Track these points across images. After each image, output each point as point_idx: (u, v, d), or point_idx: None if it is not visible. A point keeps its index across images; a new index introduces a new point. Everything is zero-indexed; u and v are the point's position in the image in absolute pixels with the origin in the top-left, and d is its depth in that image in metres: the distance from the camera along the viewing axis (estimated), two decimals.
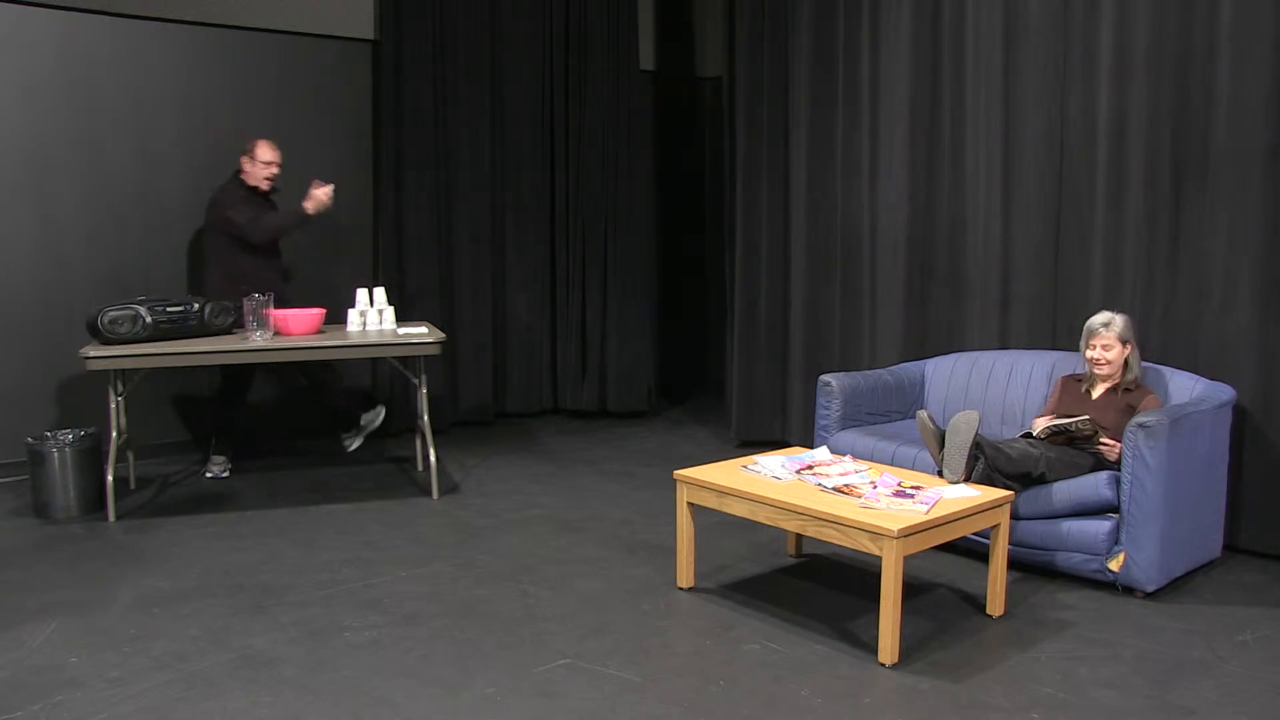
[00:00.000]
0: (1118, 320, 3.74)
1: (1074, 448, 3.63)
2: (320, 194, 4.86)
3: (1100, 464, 3.61)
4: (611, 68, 6.56)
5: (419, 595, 3.51)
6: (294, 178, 5.75)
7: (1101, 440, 3.60)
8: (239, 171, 5.00)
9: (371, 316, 4.86)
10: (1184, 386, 3.81)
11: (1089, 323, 3.81)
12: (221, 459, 5.16)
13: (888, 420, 4.51)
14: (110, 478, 4.37)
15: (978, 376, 4.44)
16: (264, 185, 5.02)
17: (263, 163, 4.97)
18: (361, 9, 5.89)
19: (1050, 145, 4.40)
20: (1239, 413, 3.86)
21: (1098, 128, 4.22)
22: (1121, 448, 3.50)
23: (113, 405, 4.46)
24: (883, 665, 2.95)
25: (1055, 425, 3.57)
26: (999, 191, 4.60)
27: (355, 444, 5.35)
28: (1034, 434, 3.64)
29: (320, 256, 5.88)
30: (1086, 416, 3.56)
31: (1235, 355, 3.88)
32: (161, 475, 5.15)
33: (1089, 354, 3.80)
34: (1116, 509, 3.49)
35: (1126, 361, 3.76)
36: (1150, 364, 4.00)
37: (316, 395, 5.37)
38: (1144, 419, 3.40)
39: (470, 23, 6.12)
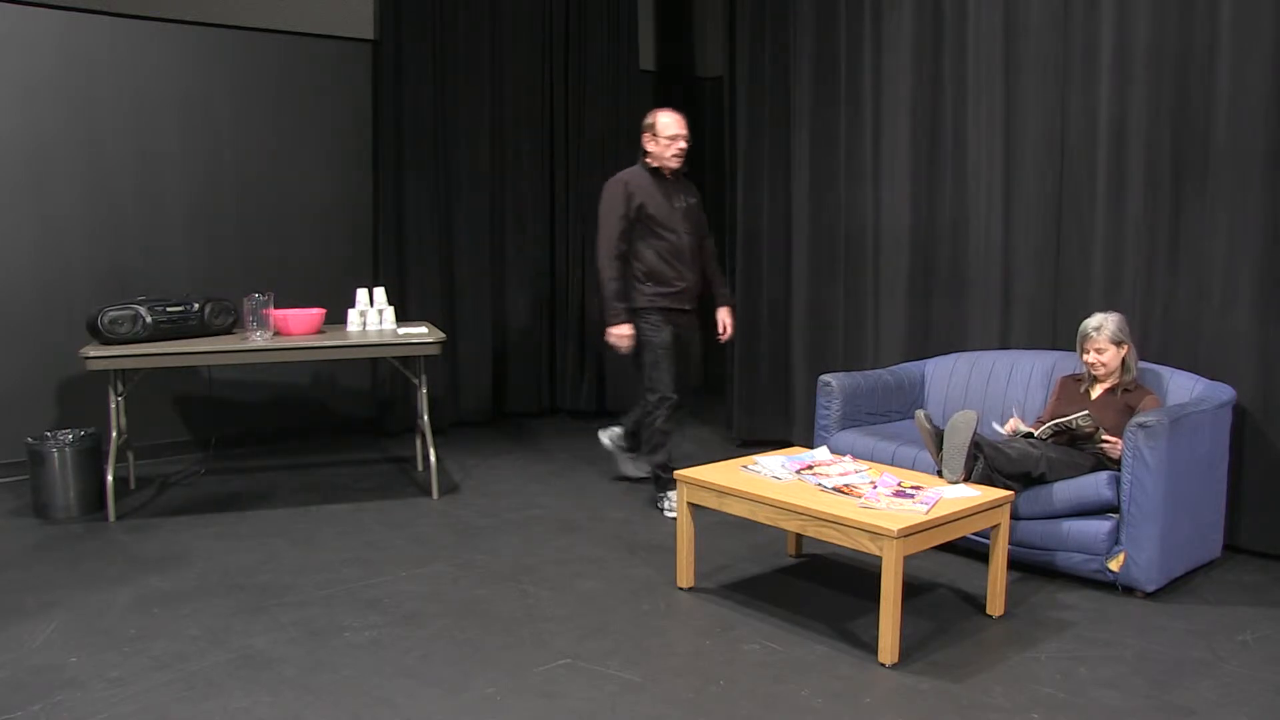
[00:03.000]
0: (1109, 323, 3.74)
1: (1075, 447, 3.63)
2: (622, 339, 4.38)
3: (1100, 464, 3.61)
4: (611, 68, 6.56)
5: (419, 595, 3.51)
6: (295, 178, 5.76)
7: (1104, 438, 3.59)
8: (644, 155, 4.44)
9: (371, 316, 4.86)
10: (1184, 386, 3.81)
11: (1081, 327, 3.81)
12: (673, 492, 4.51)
13: (888, 420, 4.51)
14: (110, 478, 4.37)
15: (978, 376, 4.44)
16: (674, 164, 4.41)
17: (666, 139, 4.36)
18: (361, 9, 5.89)
19: (1051, 145, 4.40)
20: (1239, 413, 3.86)
21: (1098, 128, 4.22)
22: (1122, 445, 3.50)
23: (113, 405, 4.46)
24: (883, 665, 2.95)
25: (1056, 424, 3.57)
26: (1000, 191, 4.60)
27: (606, 441, 4.96)
28: (1035, 434, 3.64)
29: (320, 256, 5.89)
30: (1086, 411, 3.56)
31: (1235, 355, 3.88)
32: (161, 475, 5.15)
33: (1085, 359, 3.80)
34: (1116, 509, 3.49)
35: (1125, 362, 3.76)
36: (1150, 364, 4.00)
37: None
38: (1144, 419, 3.40)
39: (470, 23, 6.12)
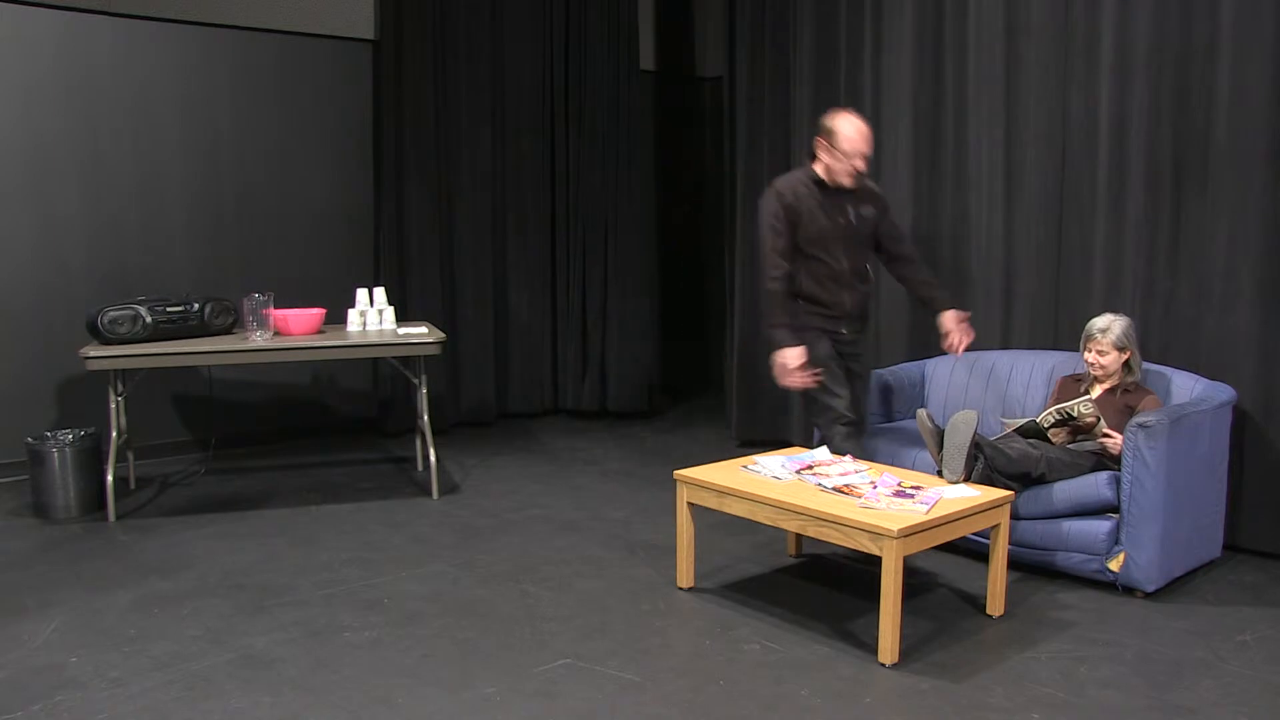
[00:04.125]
0: (1115, 327, 3.73)
1: (1076, 439, 3.63)
2: (789, 365, 3.72)
3: (1101, 464, 3.60)
4: (611, 68, 6.56)
5: (419, 595, 3.51)
6: (295, 178, 5.76)
7: (1105, 431, 3.59)
8: (812, 158, 3.83)
9: (371, 316, 4.86)
10: (1184, 386, 3.81)
11: (1088, 326, 3.81)
12: None
13: (887, 420, 4.51)
14: (110, 478, 4.37)
15: (978, 376, 4.44)
16: (845, 182, 3.77)
17: (843, 153, 3.69)
18: (361, 9, 5.89)
19: (1051, 144, 4.40)
20: (1239, 413, 3.86)
21: (1099, 127, 4.22)
22: (1123, 440, 3.49)
23: (113, 405, 4.46)
24: (883, 665, 2.95)
25: (1060, 409, 3.56)
26: (1000, 191, 4.60)
27: None
28: (1037, 420, 3.64)
29: (320, 256, 5.89)
30: (1089, 397, 3.55)
31: (1235, 355, 3.88)
32: (161, 475, 5.15)
33: (1086, 357, 3.80)
34: (1116, 509, 3.49)
35: (1128, 365, 3.76)
36: (1150, 364, 4.00)
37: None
38: (1144, 419, 3.40)
39: (470, 23, 6.12)
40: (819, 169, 3.81)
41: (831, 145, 3.72)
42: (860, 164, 3.73)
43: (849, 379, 3.94)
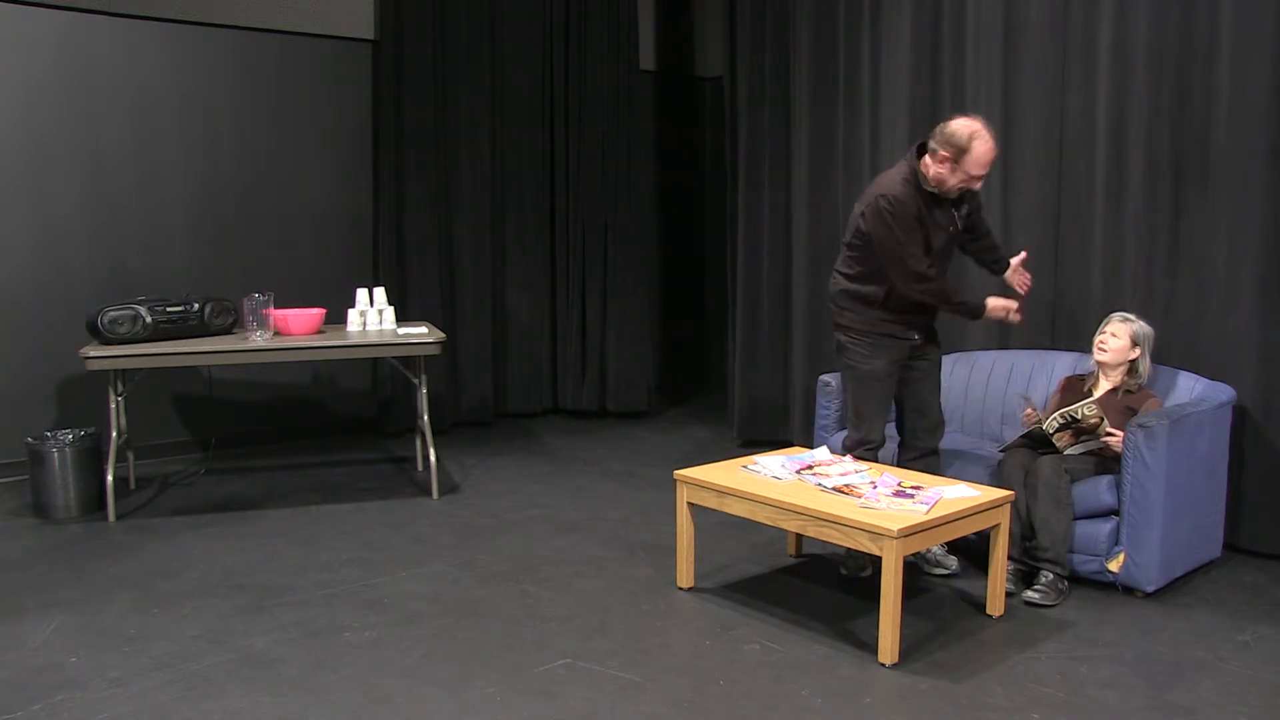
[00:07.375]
0: (1137, 324, 3.74)
1: (1080, 439, 3.63)
2: (1009, 307, 3.64)
3: (1103, 467, 3.60)
4: (611, 68, 6.56)
5: (419, 595, 3.51)
6: (295, 178, 5.76)
7: (1108, 430, 3.59)
8: (919, 167, 3.48)
9: (371, 316, 4.86)
10: (1184, 386, 3.81)
11: (1112, 314, 3.82)
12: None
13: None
14: (110, 478, 4.37)
15: (978, 376, 4.44)
16: (954, 195, 3.50)
17: (967, 174, 3.41)
18: (361, 9, 5.89)
19: (1050, 145, 4.40)
20: (1239, 413, 3.86)
21: (1097, 127, 4.22)
22: (1123, 437, 3.49)
23: (113, 405, 4.46)
24: (883, 665, 2.95)
25: (1064, 413, 3.56)
26: (999, 191, 4.60)
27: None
28: (1043, 426, 3.63)
29: (320, 256, 5.88)
30: (1093, 400, 3.55)
31: (1235, 355, 3.88)
32: (161, 475, 5.15)
33: (1097, 340, 3.79)
34: (1117, 511, 3.49)
35: (1136, 366, 3.75)
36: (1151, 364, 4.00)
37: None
38: (1144, 420, 3.40)
39: (470, 23, 6.12)
40: (929, 182, 3.47)
41: (960, 164, 3.39)
42: (978, 184, 3.49)
43: (920, 388, 3.75)
